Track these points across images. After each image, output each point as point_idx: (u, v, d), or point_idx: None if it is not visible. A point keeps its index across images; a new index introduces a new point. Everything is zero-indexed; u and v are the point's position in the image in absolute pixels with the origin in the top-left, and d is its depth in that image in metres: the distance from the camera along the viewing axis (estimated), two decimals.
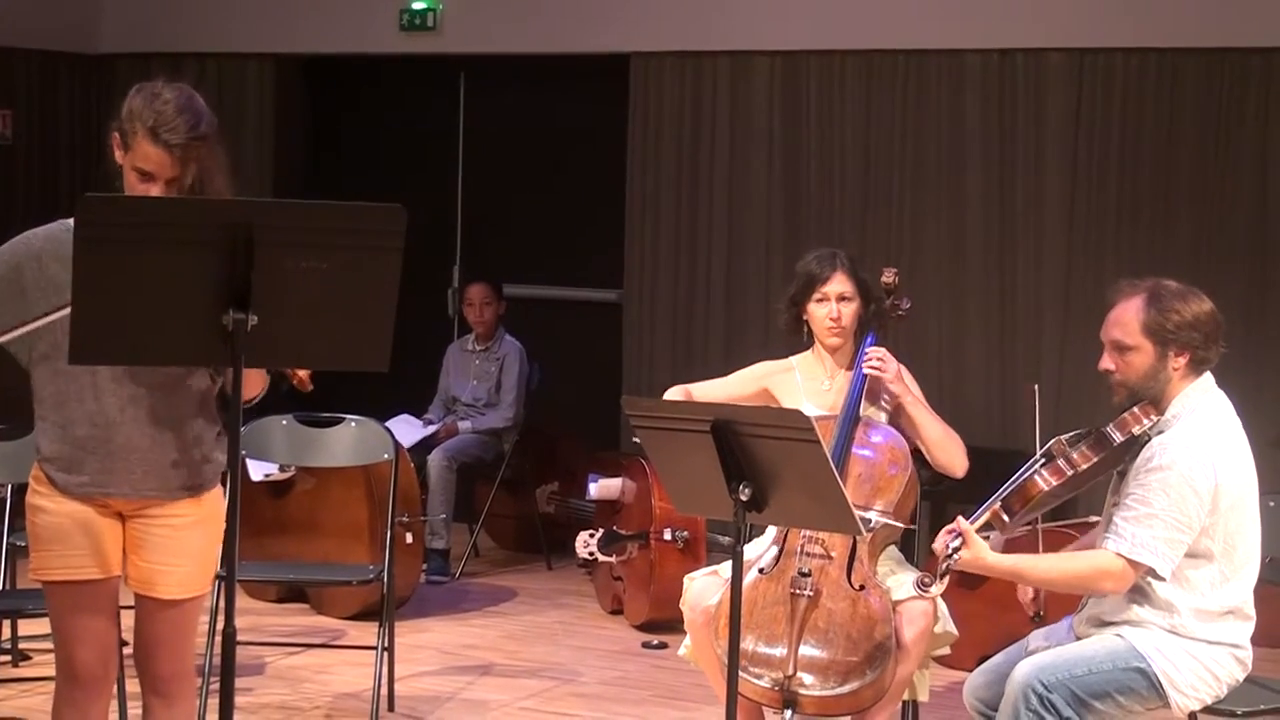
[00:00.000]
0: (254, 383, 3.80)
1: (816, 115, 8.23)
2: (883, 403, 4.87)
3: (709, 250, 8.48)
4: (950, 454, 4.79)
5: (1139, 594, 4.06)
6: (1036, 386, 4.38)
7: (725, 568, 4.49)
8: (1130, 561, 3.97)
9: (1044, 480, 4.04)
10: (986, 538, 4.05)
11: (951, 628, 4.65)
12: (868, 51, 8.12)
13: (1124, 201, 7.74)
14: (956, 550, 3.95)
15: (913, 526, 4.89)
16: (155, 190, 3.65)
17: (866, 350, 4.82)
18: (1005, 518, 4.04)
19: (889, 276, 4.97)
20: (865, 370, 4.79)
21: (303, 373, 4.04)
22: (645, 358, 8.62)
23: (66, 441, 3.73)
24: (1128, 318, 4.08)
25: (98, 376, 3.69)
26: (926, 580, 3.98)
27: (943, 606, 4.63)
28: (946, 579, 3.98)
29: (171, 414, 3.74)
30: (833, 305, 4.88)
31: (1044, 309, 7.86)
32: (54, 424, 3.75)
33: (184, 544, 3.78)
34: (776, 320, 5.09)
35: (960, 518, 4.00)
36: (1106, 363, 4.13)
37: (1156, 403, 4.08)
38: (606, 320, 8.83)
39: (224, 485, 3.81)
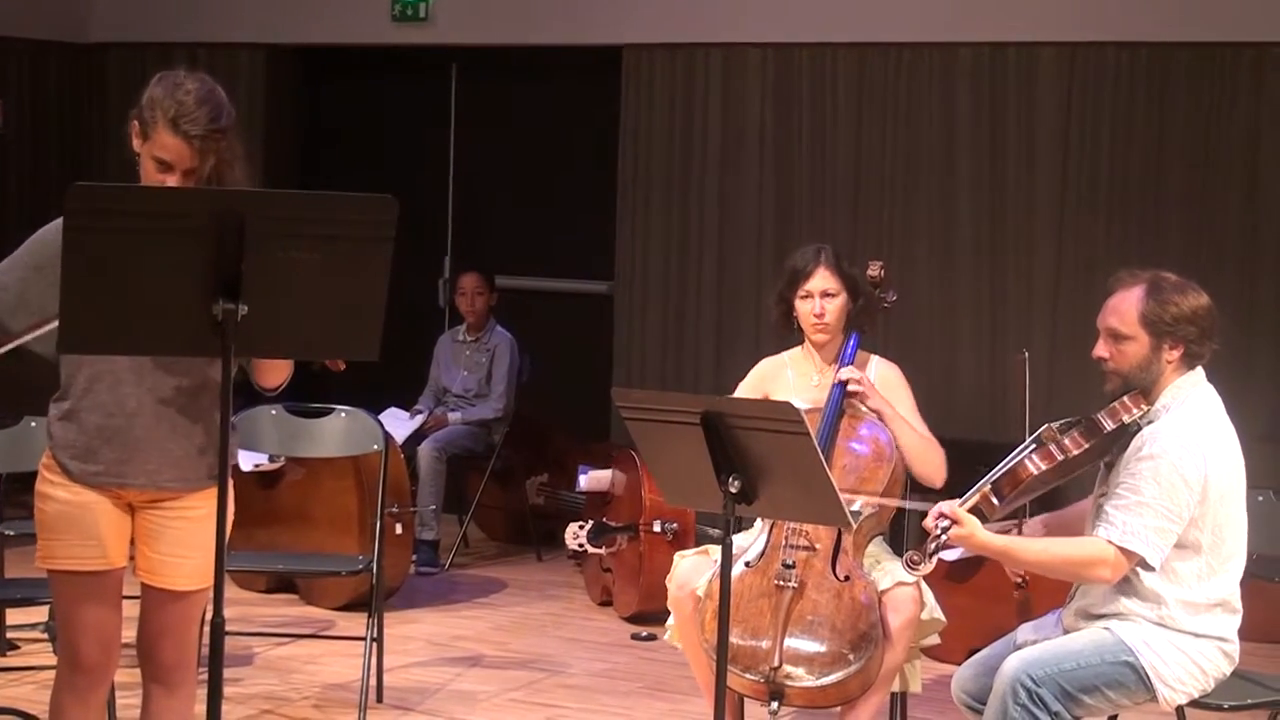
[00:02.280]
0: (280, 371, 3.80)
1: (808, 108, 8.23)
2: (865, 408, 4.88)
3: (700, 242, 8.48)
4: (928, 465, 4.81)
5: (1126, 586, 4.07)
6: (1025, 353, 4.39)
7: (717, 548, 4.50)
8: (1121, 550, 3.98)
9: (1034, 465, 4.06)
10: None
11: (939, 614, 4.66)
12: (859, 44, 8.13)
13: (1114, 194, 7.75)
14: (946, 530, 3.96)
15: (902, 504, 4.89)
16: (172, 180, 3.66)
17: (840, 373, 4.82)
18: (994, 500, 4.05)
19: (874, 269, 4.99)
20: (840, 385, 4.80)
21: None
22: (636, 349, 8.62)
23: (82, 430, 3.73)
24: (1125, 307, 4.10)
25: (116, 366, 3.70)
26: (915, 559, 3.98)
27: (929, 594, 4.64)
28: (935, 559, 3.99)
29: (191, 406, 3.75)
30: (816, 301, 4.89)
31: (1034, 302, 7.87)
32: (69, 411, 3.75)
33: (197, 536, 3.78)
34: (768, 316, 5.10)
35: (944, 502, 4.02)
36: (1101, 350, 4.15)
37: (1147, 393, 4.10)
38: (597, 312, 8.83)
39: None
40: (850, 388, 4.79)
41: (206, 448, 3.77)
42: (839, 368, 4.84)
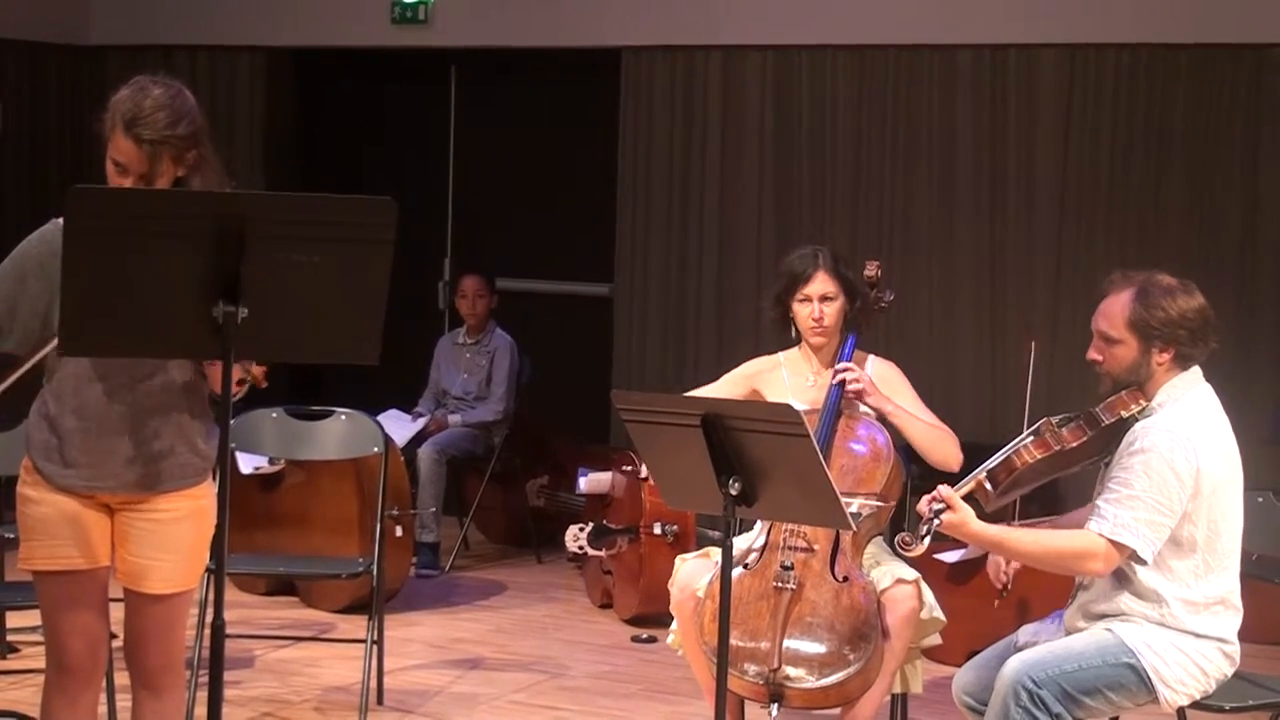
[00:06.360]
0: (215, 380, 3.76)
1: (808, 110, 8.24)
2: (865, 407, 4.87)
3: (700, 244, 8.48)
4: (942, 452, 4.80)
5: (1126, 584, 4.08)
6: (1035, 341, 4.40)
7: (717, 550, 4.49)
8: (1112, 542, 3.99)
9: (1029, 453, 4.07)
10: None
11: (939, 614, 4.65)
12: (859, 46, 8.13)
13: (1114, 196, 7.76)
14: (939, 514, 3.96)
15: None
16: (127, 183, 3.64)
17: (837, 368, 4.82)
18: (989, 487, 4.06)
19: (871, 269, 5.00)
20: (838, 387, 4.79)
21: (256, 369, 4.00)
22: (636, 351, 8.62)
23: (53, 433, 3.73)
24: (1115, 311, 4.12)
25: (82, 368, 3.69)
26: (907, 540, 3.97)
27: (928, 593, 4.64)
28: (927, 540, 3.98)
29: (156, 407, 3.73)
30: (815, 305, 4.90)
31: (1034, 304, 7.87)
32: (43, 415, 3.75)
33: (171, 538, 3.77)
34: (764, 317, 5.10)
35: (943, 486, 4.02)
36: (1094, 353, 4.18)
37: (1144, 390, 4.11)
38: (597, 314, 8.83)
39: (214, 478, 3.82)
40: (850, 386, 4.78)
41: (176, 448, 3.75)
42: (840, 356, 4.84)
